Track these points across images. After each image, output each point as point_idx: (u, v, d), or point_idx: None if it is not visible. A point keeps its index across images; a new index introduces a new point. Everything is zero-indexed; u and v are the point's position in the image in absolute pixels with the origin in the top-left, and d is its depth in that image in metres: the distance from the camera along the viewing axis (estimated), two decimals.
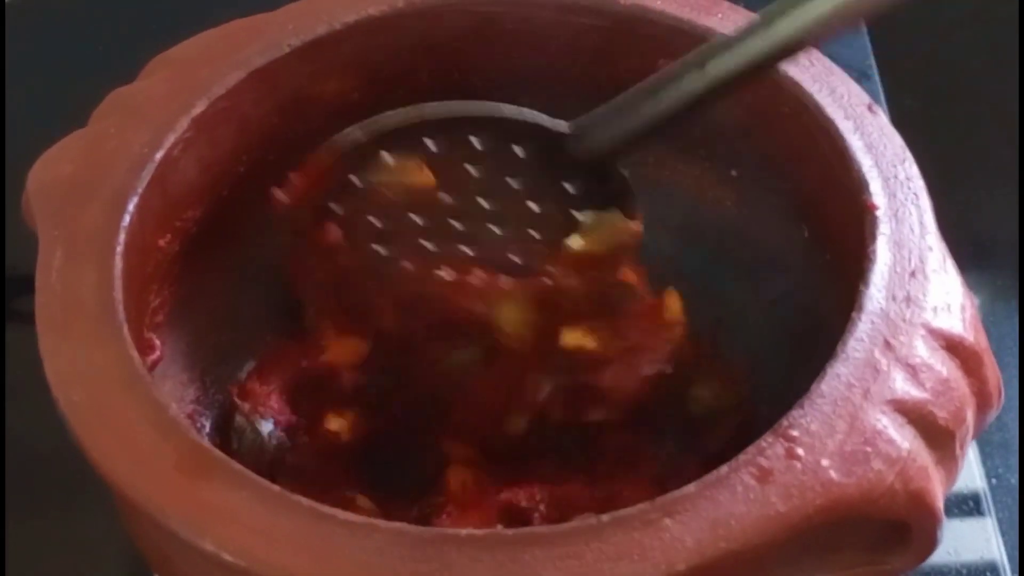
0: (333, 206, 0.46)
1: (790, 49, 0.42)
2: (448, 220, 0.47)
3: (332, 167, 0.46)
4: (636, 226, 0.47)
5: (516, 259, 0.47)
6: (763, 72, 0.43)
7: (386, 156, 0.46)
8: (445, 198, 0.46)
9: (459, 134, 0.46)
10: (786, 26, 0.41)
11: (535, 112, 0.46)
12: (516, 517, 0.48)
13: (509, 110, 0.46)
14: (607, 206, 0.47)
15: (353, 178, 0.46)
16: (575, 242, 0.46)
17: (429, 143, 0.46)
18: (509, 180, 0.46)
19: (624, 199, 0.47)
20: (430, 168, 0.46)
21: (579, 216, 0.47)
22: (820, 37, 0.42)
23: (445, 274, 0.46)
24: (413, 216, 0.47)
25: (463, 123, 0.46)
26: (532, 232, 0.47)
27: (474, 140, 0.46)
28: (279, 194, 0.46)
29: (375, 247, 0.47)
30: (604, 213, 0.46)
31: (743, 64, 0.42)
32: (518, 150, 0.46)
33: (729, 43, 0.42)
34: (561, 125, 0.46)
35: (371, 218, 0.47)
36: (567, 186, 0.47)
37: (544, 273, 0.47)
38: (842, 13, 0.41)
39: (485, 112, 0.46)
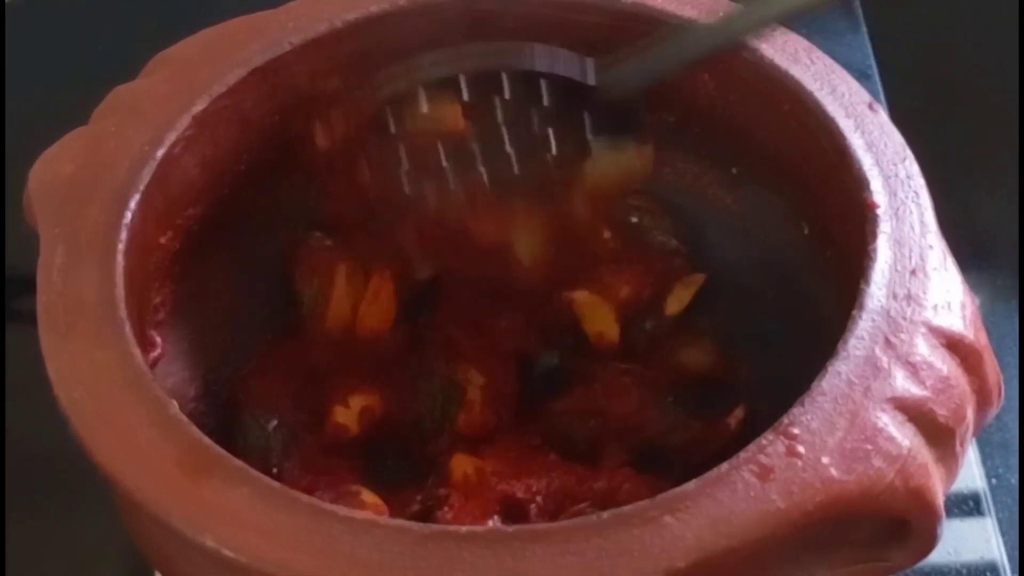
0: (366, 147, 0.47)
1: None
2: (470, 150, 0.47)
3: (372, 112, 0.46)
4: (647, 151, 0.47)
5: (531, 183, 0.47)
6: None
7: (423, 103, 0.46)
8: (472, 135, 0.47)
9: (492, 75, 0.46)
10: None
11: (568, 54, 0.47)
12: (514, 508, 0.48)
13: (541, 61, 0.46)
14: (621, 134, 0.47)
15: (391, 124, 0.47)
16: (589, 166, 0.47)
17: (463, 86, 0.46)
18: (531, 109, 0.47)
19: (636, 129, 0.47)
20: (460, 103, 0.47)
21: (593, 141, 0.47)
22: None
23: (460, 195, 0.47)
24: (440, 153, 0.47)
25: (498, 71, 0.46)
26: (548, 157, 0.47)
27: (504, 76, 0.46)
28: (319, 137, 0.46)
29: (402, 180, 0.47)
30: (617, 138, 0.47)
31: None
32: (544, 85, 0.46)
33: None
34: (590, 78, 0.46)
35: (401, 154, 0.47)
36: (586, 116, 0.47)
37: (558, 199, 0.47)
38: None
39: (520, 66, 0.46)
